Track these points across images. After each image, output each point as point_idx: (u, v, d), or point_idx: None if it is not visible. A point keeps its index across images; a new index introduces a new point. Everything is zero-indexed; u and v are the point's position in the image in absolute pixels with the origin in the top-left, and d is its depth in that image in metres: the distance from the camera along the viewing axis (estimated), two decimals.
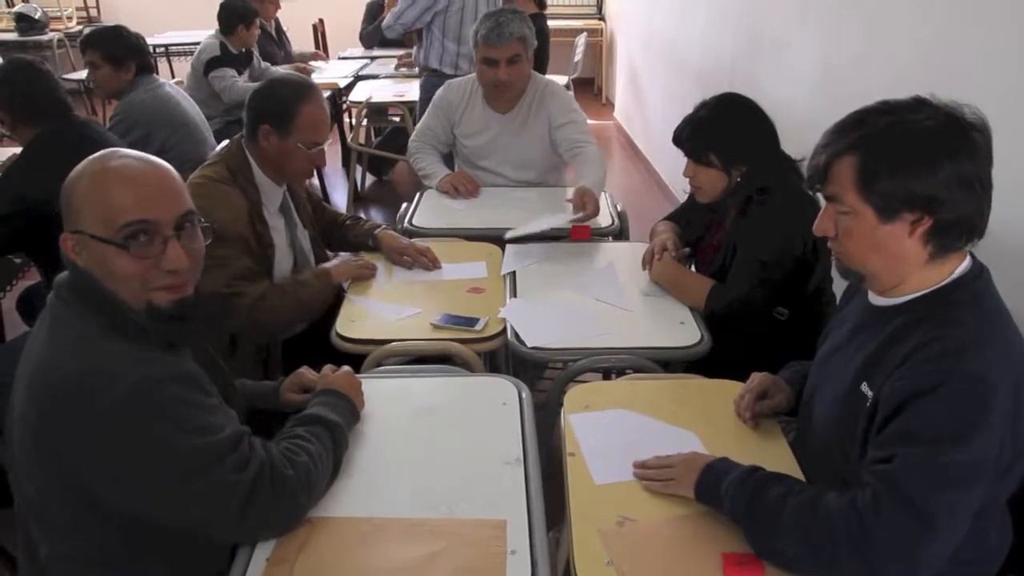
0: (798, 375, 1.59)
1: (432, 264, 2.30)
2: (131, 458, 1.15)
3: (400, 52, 5.88)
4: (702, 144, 2.05)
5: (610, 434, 1.54)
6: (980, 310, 1.21)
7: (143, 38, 3.33)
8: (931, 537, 1.11)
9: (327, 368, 1.62)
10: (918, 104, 1.21)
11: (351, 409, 1.52)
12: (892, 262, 1.25)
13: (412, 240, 2.42)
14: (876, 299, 1.34)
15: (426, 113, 3.04)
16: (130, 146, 1.44)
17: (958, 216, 1.19)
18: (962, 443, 1.12)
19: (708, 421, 1.57)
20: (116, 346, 1.19)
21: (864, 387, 1.28)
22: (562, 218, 2.46)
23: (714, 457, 1.37)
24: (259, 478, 1.22)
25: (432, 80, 3.91)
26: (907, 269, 1.25)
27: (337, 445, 1.41)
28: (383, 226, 2.45)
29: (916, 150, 1.18)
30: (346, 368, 1.62)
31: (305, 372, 1.62)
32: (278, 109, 2.03)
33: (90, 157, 1.26)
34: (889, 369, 1.23)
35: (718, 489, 1.30)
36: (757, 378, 1.59)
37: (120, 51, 3.19)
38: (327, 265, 2.22)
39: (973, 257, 1.28)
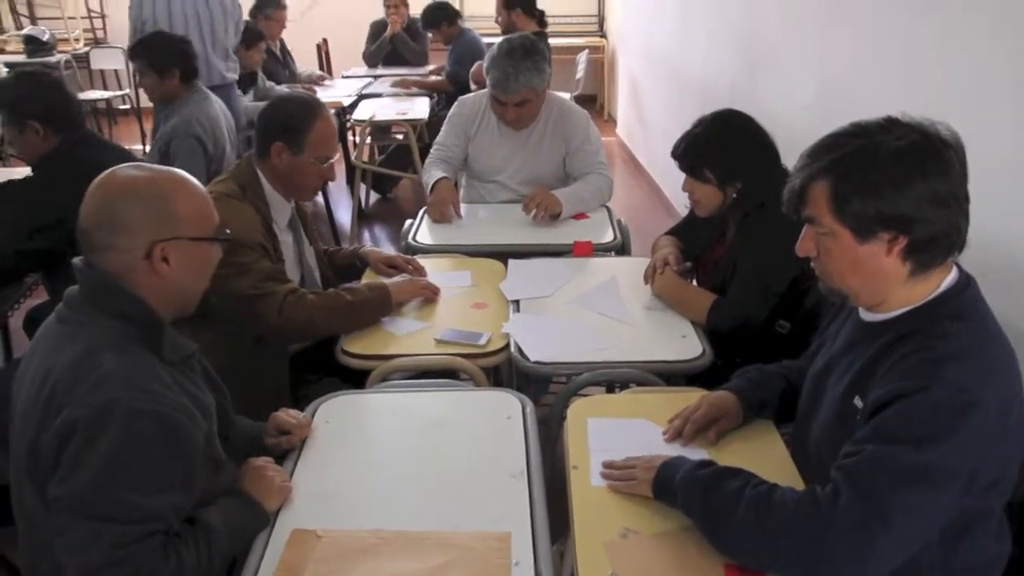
0: (753, 384, 1.60)
1: (417, 272, 2.33)
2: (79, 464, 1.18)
3: (403, 71, 5.94)
4: (697, 160, 2.07)
5: (622, 442, 1.55)
6: (968, 323, 1.23)
7: (187, 43, 3.36)
8: (883, 532, 1.12)
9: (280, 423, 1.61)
10: (889, 124, 1.23)
11: (250, 515, 1.37)
12: (872, 280, 1.27)
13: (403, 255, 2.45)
14: (866, 315, 1.35)
15: (442, 129, 3.05)
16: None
17: (933, 233, 1.20)
18: (929, 447, 1.13)
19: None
20: (128, 359, 1.25)
21: (856, 400, 1.30)
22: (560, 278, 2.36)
23: (672, 456, 1.40)
24: (124, 567, 1.18)
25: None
26: (888, 286, 1.27)
27: (210, 549, 1.28)
28: (363, 245, 2.51)
29: (886, 171, 1.19)
30: (261, 461, 1.48)
31: (282, 415, 1.62)
32: (290, 126, 2.06)
33: (149, 170, 1.35)
34: (875, 382, 1.24)
35: (672, 483, 1.32)
36: (703, 407, 1.57)
37: (161, 59, 3.24)
38: (386, 280, 2.19)
39: (959, 268, 1.29)
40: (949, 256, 1.25)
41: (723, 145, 2.06)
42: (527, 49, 2.78)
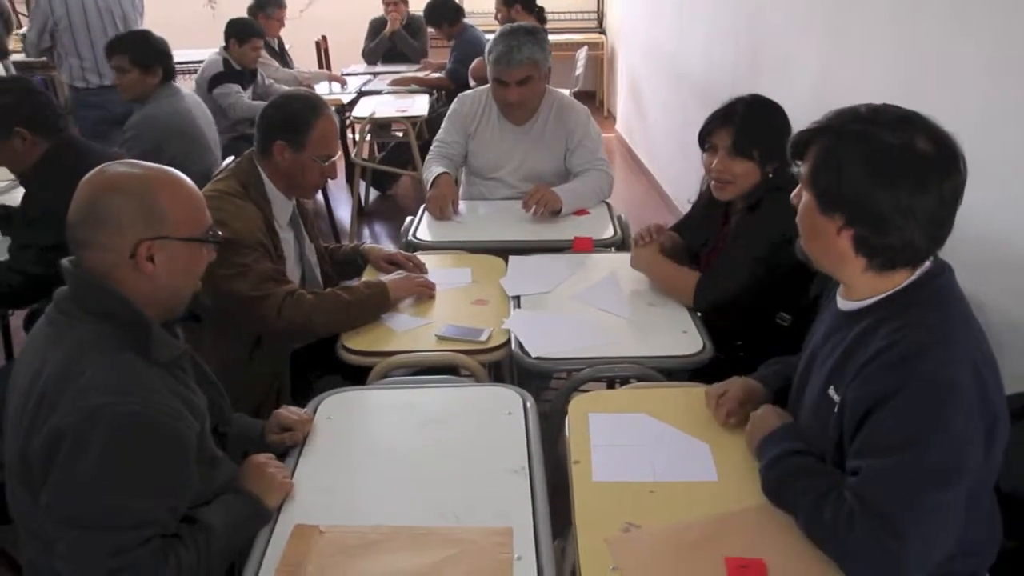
0: (777, 375, 1.62)
1: (418, 269, 2.32)
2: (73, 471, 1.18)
3: (402, 68, 5.94)
4: (750, 136, 2.05)
5: (623, 436, 1.56)
6: (941, 309, 1.23)
7: (167, 43, 3.36)
8: (902, 548, 1.13)
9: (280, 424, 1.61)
10: (902, 120, 1.22)
11: (249, 513, 1.36)
12: (829, 256, 1.30)
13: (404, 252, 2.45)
14: (843, 304, 1.36)
15: (443, 126, 3.05)
16: (140, 158, 1.48)
17: (883, 239, 1.22)
18: (923, 447, 1.14)
19: (712, 428, 1.59)
20: (113, 362, 1.24)
21: (831, 391, 1.31)
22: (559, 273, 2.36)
23: (779, 424, 1.43)
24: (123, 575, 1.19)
25: (79, 98, 4.33)
26: (844, 268, 1.30)
27: (210, 549, 1.29)
28: (364, 243, 2.51)
29: (860, 163, 1.21)
30: (262, 458, 1.47)
31: (284, 412, 1.62)
32: (292, 124, 2.07)
33: (140, 167, 1.33)
34: (851, 375, 1.25)
35: (763, 455, 1.40)
36: (737, 383, 1.61)
37: (147, 56, 3.23)
38: (383, 277, 2.19)
39: (935, 257, 1.29)
40: (910, 263, 1.26)
41: (773, 124, 2.07)
42: (528, 29, 2.81)
